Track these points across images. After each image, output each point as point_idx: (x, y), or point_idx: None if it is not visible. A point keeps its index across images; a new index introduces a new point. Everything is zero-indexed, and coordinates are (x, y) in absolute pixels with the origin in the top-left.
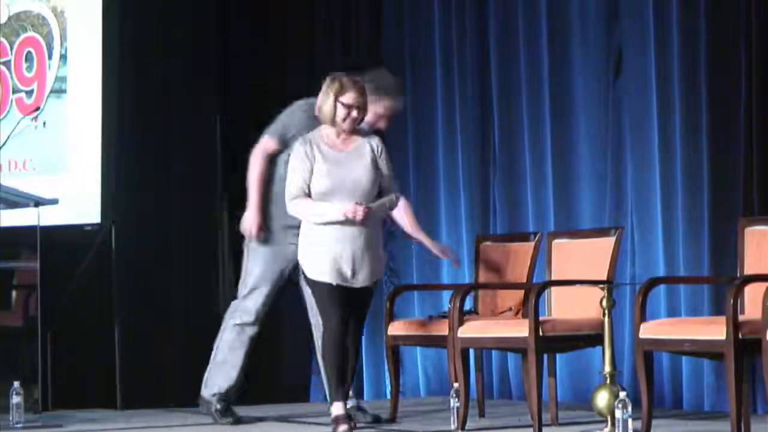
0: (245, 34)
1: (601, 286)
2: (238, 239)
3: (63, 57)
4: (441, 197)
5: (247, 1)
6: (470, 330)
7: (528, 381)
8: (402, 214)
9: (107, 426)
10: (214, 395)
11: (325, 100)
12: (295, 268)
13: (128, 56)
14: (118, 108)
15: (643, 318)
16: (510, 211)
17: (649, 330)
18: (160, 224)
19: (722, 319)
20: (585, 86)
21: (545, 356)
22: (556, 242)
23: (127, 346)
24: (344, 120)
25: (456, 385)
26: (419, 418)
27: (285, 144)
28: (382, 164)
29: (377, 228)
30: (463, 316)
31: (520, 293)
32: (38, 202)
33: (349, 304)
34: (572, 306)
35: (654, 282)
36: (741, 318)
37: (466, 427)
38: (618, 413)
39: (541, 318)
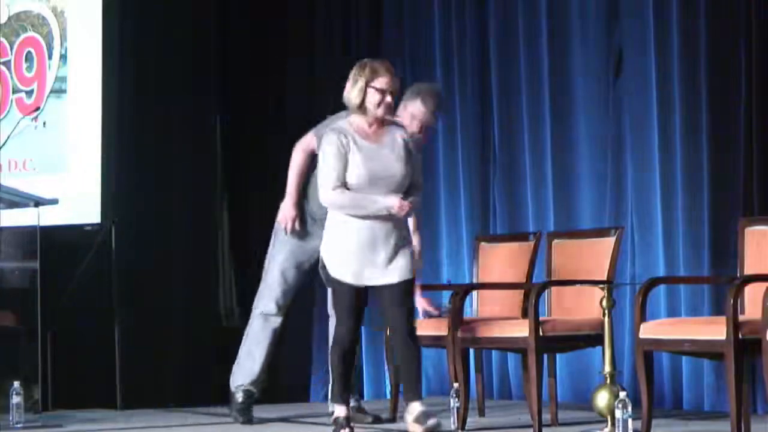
0: (245, 34)
1: (601, 286)
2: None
3: (63, 57)
4: (441, 197)
5: (247, 1)
6: (470, 330)
7: (528, 381)
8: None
9: (107, 426)
10: (237, 387)
11: (353, 87)
12: (317, 262)
13: (128, 56)
14: (118, 108)
15: (643, 318)
16: (510, 211)
17: (649, 330)
18: (160, 224)
19: (722, 319)
20: (585, 86)
21: (545, 356)
22: (556, 242)
23: (127, 346)
24: (378, 106)
25: (456, 385)
26: None
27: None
28: (414, 157)
29: (405, 225)
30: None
31: (520, 293)
32: (38, 202)
33: (382, 304)
34: (572, 306)
35: (654, 282)
36: (741, 318)
37: (466, 427)
38: (618, 413)
39: (541, 318)
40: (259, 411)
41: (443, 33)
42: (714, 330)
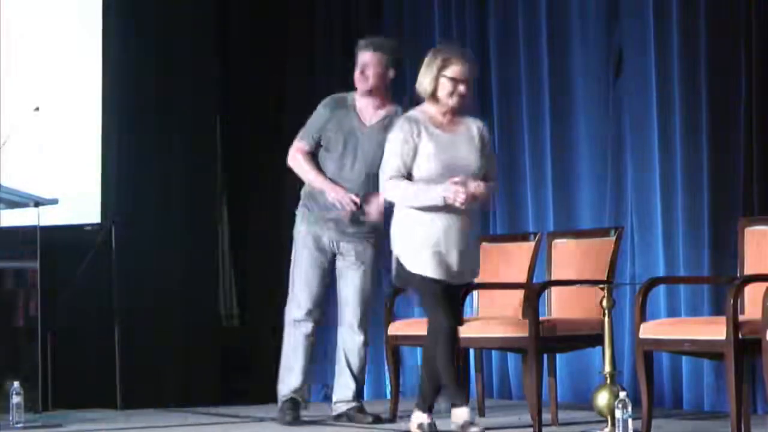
0: (245, 34)
1: (601, 286)
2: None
3: None
4: None
5: (247, 1)
6: (470, 330)
7: (528, 381)
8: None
9: (107, 426)
10: (283, 396)
11: (425, 75)
12: (334, 257)
13: (128, 56)
14: (118, 108)
15: (643, 318)
16: (510, 211)
17: (649, 330)
18: (160, 224)
19: (722, 319)
20: (585, 86)
21: (545, 356)
22: (556, 242)
23: (127, 346)
24: (450, 95)
25: None
26: None
27: (317, 142)
28: (488, 148)
29: (478, 216)
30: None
31: (520, 293)
32: (38, 202)
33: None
34: (572, 306)
35: (654, 282)
36: (741, 318)
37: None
38: (618, 413)
39: (541, 318)
40: (259, 411)
41: (443, 33)
42: (714, 330)
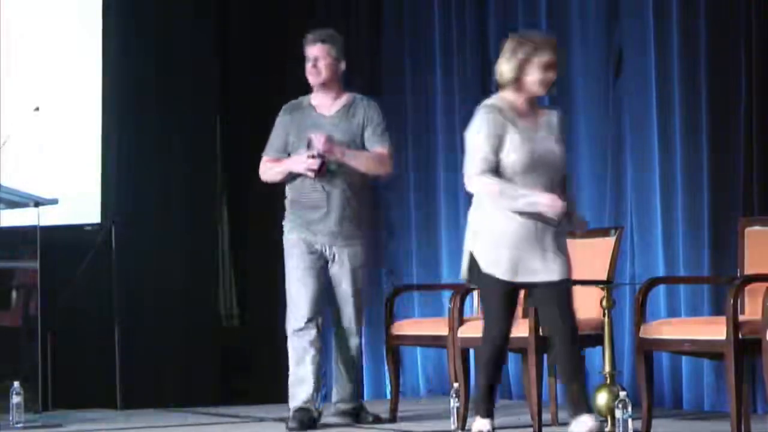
0: (245, 34)
1: (601, 286)
2: (239, 232)
3: None
4: (441, 197)
5: (247, 1)
6: (470, 330)
7: (528, 381)
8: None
9: (107, 426)
10: (294, 407)
11: (509, 61)
12: (327, 263)
13: (128, 56)
14: (118, 108)
15: (643, 318)
16: None
17: (649, 330)
18: (160, 224)
19: (722, 319)
20: (585, 86)
21: (545, 356)
22: None
23: (127, 346)
24: (539, 84)
25: (456, 385)
26: (419, 418)
27: (284, 150)
28: (564, 141)
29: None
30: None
31: (520, 293)
32: (38, 202)
33: (537, 304)
34: None
35: (654, 282)
36: (741, 318)
37: (466, 427)
38: (618, 413)
39: None
40: (259, 411)
41: (443, 33)
42: (714, 330)
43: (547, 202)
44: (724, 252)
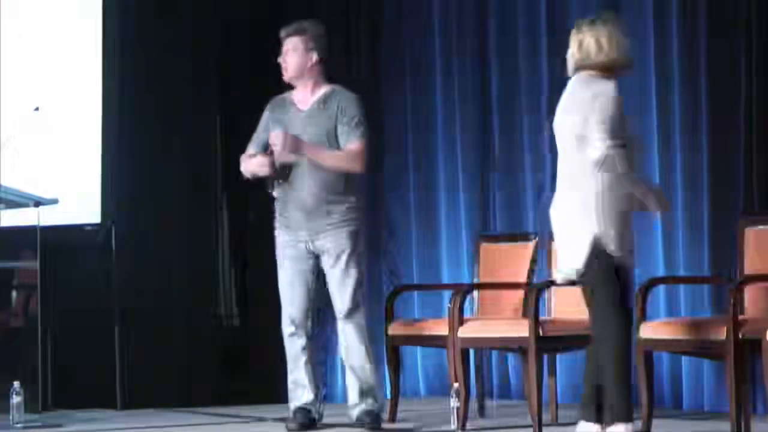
0: (245, 34)
1: None
2: (239, 232)
3: None
4: (441, 197)
5: (247, 1)
6: (470, 330)
7: (528, 381)
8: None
9: (107, 426)
10: (294, 408)
11: (617, 38)
12: (317, 258)
13: (128, 56)
14: (118, 108)
15: (643, 318)
16: (510, 211)
17: (649, 330)
18: (160, 224)
19: (722, 319)
20: None
21: (545, 356)
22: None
23: (127, 346)
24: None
25: (456, 385)
26: (419, 418)
27: (263, 147)
28: None
29: None
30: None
31: (520, 293)
32: (38, 202)
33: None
34: (572, 306)
35: (654, 282)
36: (741, 318)
37: (466, 427)
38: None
39: (541, 318)
40: (259, 411)
41: (443, 33)
42: (714, 330)
43: (658, 208)
44: (724, 252)
